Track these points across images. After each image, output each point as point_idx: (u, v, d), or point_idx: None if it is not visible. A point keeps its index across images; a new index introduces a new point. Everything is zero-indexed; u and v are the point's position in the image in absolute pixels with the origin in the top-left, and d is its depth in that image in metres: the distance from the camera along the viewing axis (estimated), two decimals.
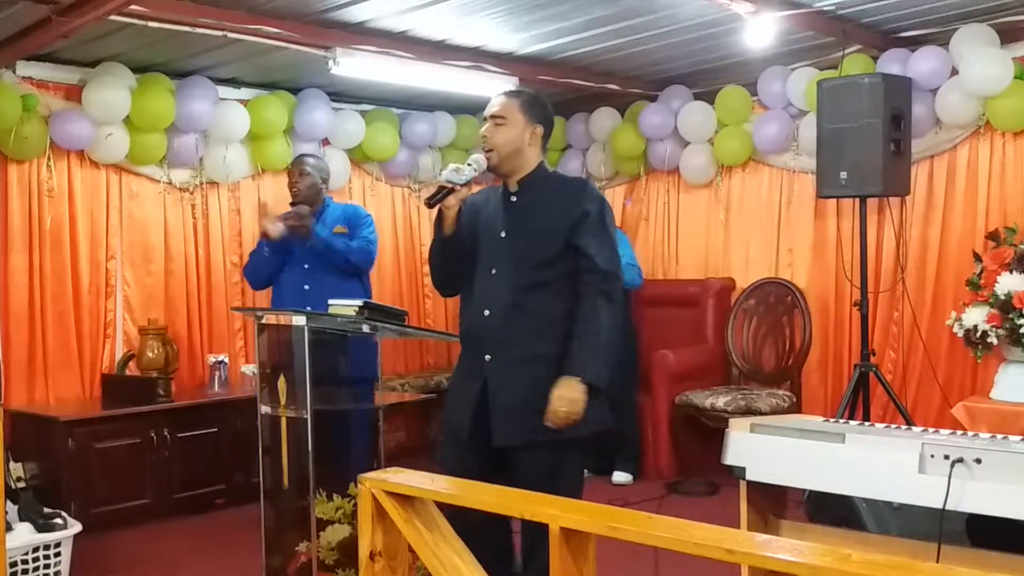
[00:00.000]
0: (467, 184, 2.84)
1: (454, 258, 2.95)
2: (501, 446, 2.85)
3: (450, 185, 2.81)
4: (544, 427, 2.82)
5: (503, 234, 2.93)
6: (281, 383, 3.56)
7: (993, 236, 4.69)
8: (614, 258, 2.93)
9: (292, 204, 4.78)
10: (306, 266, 4.66)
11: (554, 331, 2.86)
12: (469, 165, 2.85)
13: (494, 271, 2.90)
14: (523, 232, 2.90)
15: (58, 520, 3.94)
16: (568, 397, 2.79)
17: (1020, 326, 4.26)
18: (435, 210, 2.89)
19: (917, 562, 1.68)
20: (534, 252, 2.88)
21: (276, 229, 4.58)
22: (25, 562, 3.78)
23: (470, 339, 2.97)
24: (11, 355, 4.95)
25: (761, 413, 4.98)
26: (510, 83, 5.47)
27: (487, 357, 2.88)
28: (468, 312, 2.97)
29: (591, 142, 6.71)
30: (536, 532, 2.76)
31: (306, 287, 4.62)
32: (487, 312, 2.88)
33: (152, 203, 5.51)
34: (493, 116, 2.92)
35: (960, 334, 4.48)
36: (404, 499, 2.25)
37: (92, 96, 5.01)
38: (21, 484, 4.66)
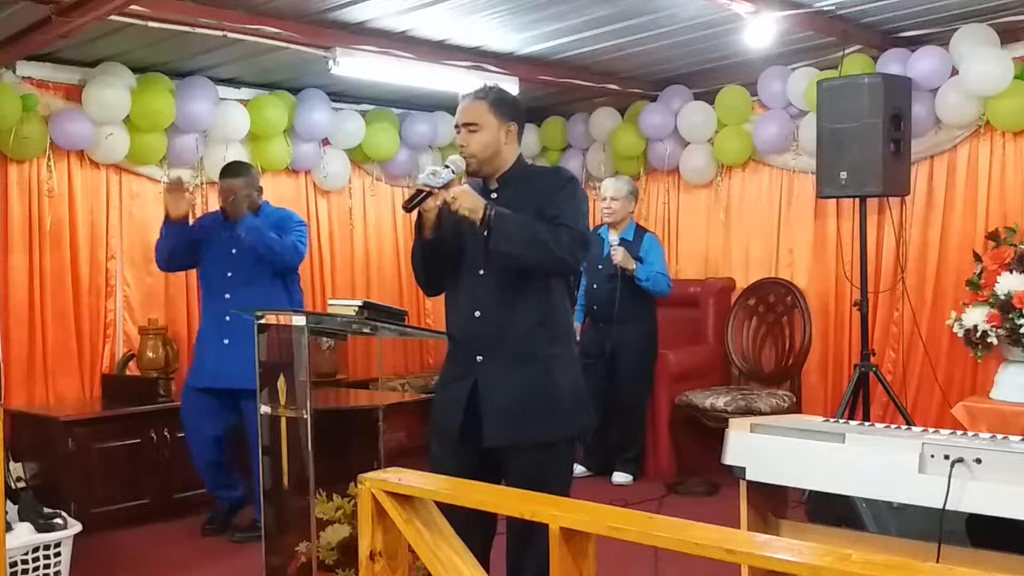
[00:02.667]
0: (445, 186, 2.77)
1: (437, 259, 2.91)
2: (492, 446, 2.83)
3: (428, 188, 2.74)
4: (534, 428, 2.81)
5: (487, 233, 2.83)
6: (281, 383, 3.56)
7: (993, 236, 4.69)
8: (580, 221, 2.85)
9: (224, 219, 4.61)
10: (229, 274, 4.56)
11: (547, 331, 2.85)
12: (447, 167, 2.80)
13: (482, 271, 2.85)
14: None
15: (58, 520, 3.93)
16: (470, 194, 2.73)
17: (1020, 326, 4.26)
18: (415, 213, 2.83)
19: (917, 562, 1.67)
20: None
21: (177, 209, 4.48)
22: (25, 562, 3.77)
23: (461, 340, 2.92)
24: (11, 355, 4.95)
25: (761, 413, 4.97)
26: (510, 83, 5.47)
27: (479, 358, 2.85)
28: (457, 313, 2.93)
29: (591, 142, 6.71)
30: (523, 537, 2.77)
31: (227, 296, 4.52)
32: (478, 313, 2.85)
33: (152, 203, 5.49)
34: (465, 124, 2.86)
35: (960, 334, 4.48)
36: (404, 499, 2.25)
37: (92, 96, 5.01)
38: (21, 484, 4.66)
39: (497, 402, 2.81)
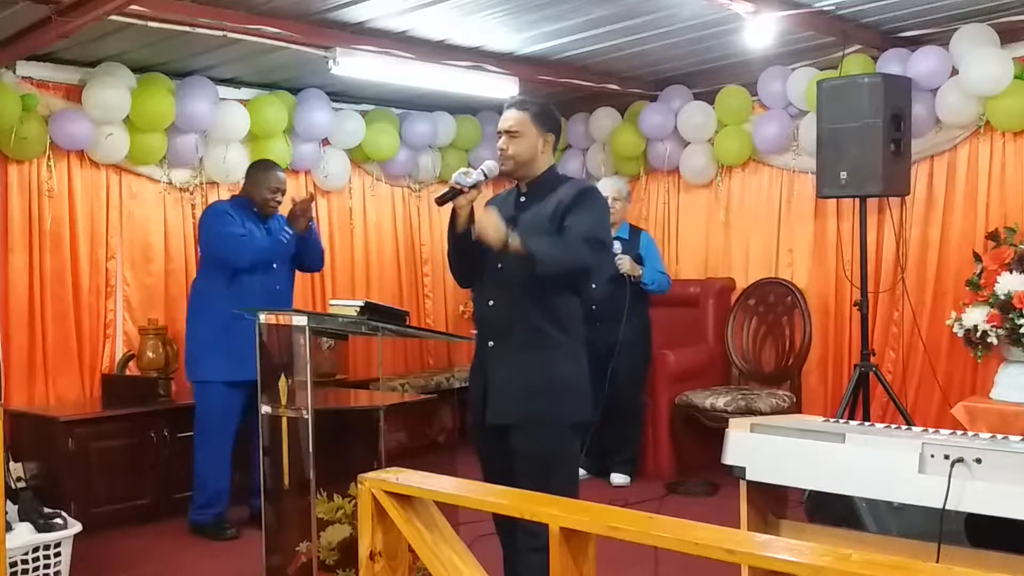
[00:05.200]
0: (476, 186, 3.03)
1: (468, 253, 3.13)
2: (492, 423, 3.07)
3: (458, 187, 3.01)
4: (533, 408, 3.02)
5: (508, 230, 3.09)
6: (281, 383, 3.56)
7: (993, 236, 4.69)
8: (594, 228, 3.06)
9: (260, 214, 4.78)
10: (275, 266, 4.72)
11: (552, 322, 3.07)
12: (480, 169, 3.05)
13: (500, 265, 3.08)
14: (525, 229, 3.07)
15: (58, 520, 3.93)
16: (492, 220, 2.91)
17: (1020, 326, 4.26)
18: (449, 209, 3.10)
19: (917, 562, 1.68)
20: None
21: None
22: (25, 562, 3.77)
23: (479, 327, 3.21)
24: (11, 355, 4.95)
25: (761, 413, 4.97)
26: (510, 83, 5.48)
27: (490, 343, 3.12)
28: (477, 302, 3.22)
29: (591, 142, 6.71)
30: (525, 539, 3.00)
31: (277, 287, 4.70)
32: (491, 302, 3.12)
33: (152, 203, 5.50)
34: (508, 131, 3.11)
35: (960, 334, 4.48)
36: (404, 499, 2.25)
37: (92, 96, 5.00)
38: (21, 484, 4.66)
39: (501, 384, 3.07)
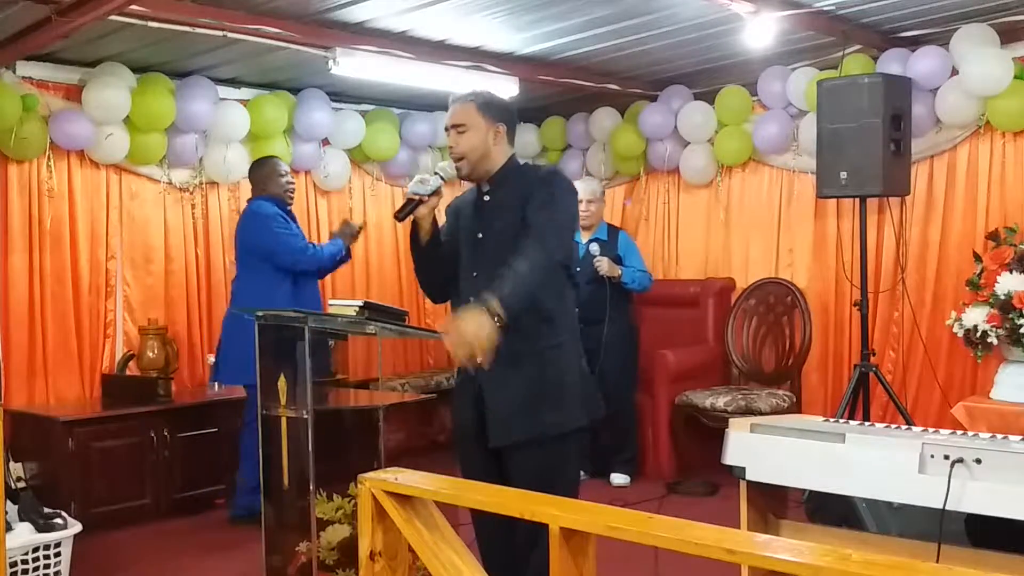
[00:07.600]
0: (436, 192, 2.84)
1: (436, 265, 2.95)
2: (495, 446, 2.87)
3: (417, 197, 2.81)
4: (536, 425, 2.82)
5: (480, 236, 2.91)
6: (281, 383, 3.56)
7: (993, 236, 4.68)
8: (551, 224, 2.80)
9: (288, 207, 4.94)
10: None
11: (542, 323, 2.84)
12: (436, 175, 2.86)
13: (475, 274, 2.88)
14: (495, 231, 2.88)
15: (58, 520, 3.94)
16: (463, 325, 2.58)
17: (1020, 326, 4.26)
18: (409, 222, 2.88)
19: (917, 562, 1.67)
20: (506, 250, 2.79)
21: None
22: (25, 562, 3.78)
23: None
24: (11, 355, 4.95)
25: (761, 413, 4.97)
26: (510, 83, 5.48)
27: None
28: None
29: (591, 142, 6.71)
30: (531, 536, 2.75)
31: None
32: None
33: (152, 203, 5.51)
34: (454, 126, 2.89)
35: (960, 334, 4.48)
36: (404, 499, 2.25)
37: (92, 96, 5.00)
38: (21, 484, 4.66)
39: (499, 402, 2.84)
